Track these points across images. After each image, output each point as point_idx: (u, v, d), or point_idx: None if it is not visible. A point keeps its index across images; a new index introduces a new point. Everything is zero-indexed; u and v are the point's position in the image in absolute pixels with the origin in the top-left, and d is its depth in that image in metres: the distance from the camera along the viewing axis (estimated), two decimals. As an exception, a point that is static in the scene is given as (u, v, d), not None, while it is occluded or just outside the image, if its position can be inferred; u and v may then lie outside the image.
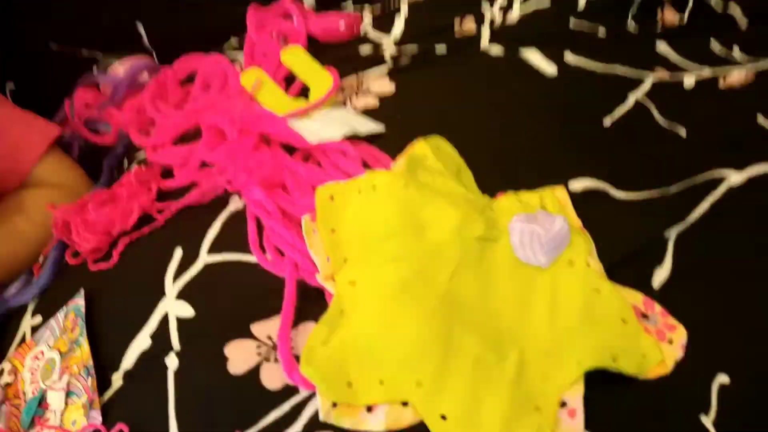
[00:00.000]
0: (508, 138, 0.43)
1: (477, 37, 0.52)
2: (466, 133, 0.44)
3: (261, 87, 0.51)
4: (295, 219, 0.40)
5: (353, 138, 0.44)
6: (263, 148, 0.44)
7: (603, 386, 0.31)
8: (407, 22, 0.57)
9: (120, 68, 0.66)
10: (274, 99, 0.50)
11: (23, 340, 0.46)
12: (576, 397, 0.30)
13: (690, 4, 0.53)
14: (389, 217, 0.36)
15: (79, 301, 0.42)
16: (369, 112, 0.48)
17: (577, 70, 0.47)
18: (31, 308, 0.48)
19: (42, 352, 0.42)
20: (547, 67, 0.47)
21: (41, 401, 0.40)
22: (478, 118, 0.45)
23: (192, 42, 0.67)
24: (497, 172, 0.41)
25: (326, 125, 0.44)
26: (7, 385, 0.43)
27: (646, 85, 0.45)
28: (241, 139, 0.44)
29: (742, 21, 0.50)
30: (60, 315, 0.43)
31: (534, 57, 0.48)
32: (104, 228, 0.44)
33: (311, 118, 0.46)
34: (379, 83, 0.50)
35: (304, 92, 0.52)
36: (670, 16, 0.53)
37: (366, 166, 0.42)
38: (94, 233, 0.44)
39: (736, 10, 0.50)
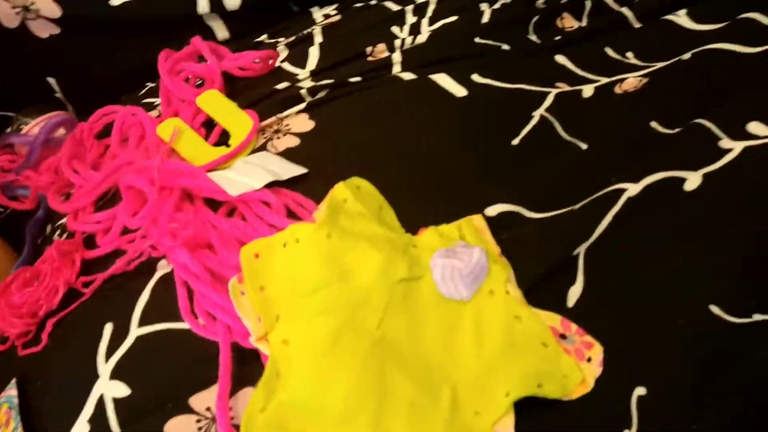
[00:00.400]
0: (425, 168, 0.44)
1: (389, 62, 0.52)
2: (384, 165, 0.44)
3: (180, 137, 0.50)
4: (224, 279, 0.39)
5: (276, 184, 0.43)
6: (186, 207, 0.43)
7: (530, 411, 0.32)
8: (321, 51, 0.56)
9: (35, 127, 0.63)
10: (193, 149, 0.49)
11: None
12: (508, 428, 0.31)
13: (588, 6, 0.55)
14: (314, 269, 0.36)
15: (11, 392, 0.40)
16: (291, 152, 0.48)
17: (485, 90, 0.48)
18: (-36, 400, 0.46)
19: (-22, 449, 0.41)
20: (456, 89, 0.48)
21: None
22: (394, 149, 0.46)
23: (107, 91, 0.66)
24: (416, 204, 0.41)
25: (246, 174, 0.44)
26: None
27: (549, 100, 0.46)
28: (162, 200, 0.43)
29: (635, 21, 0.52)
30: (-8, 408, 0.41)
31: (443, 80, 0.49)
32: (30, 310, 0.43)
33: (231, 169, 0.46)
34: (298, 121, 0.50)
35: (225, 136, 0.51)
36: (569, 23, 0.55)
37: (291, 214, 0.42)
38: (21, 317, 0.43)
39: (629, 12, 0.52)
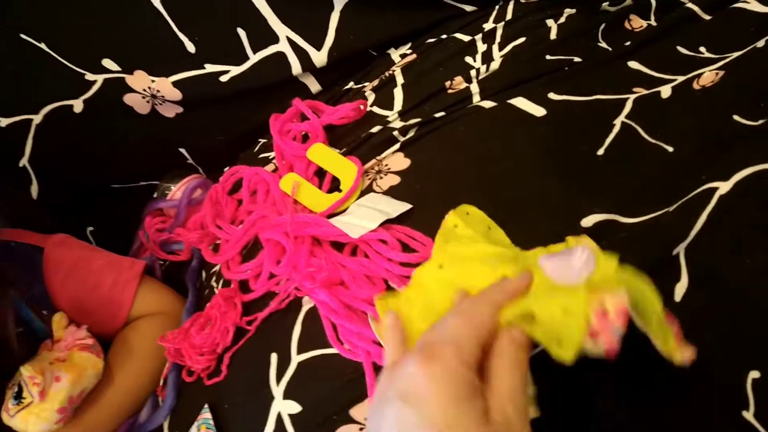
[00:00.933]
0: (518, 190, 0.49)
1: (468, 93, 0.58)
2: (478, 192, 0.49)
3: (299, 189, 0.59)
4: (357, 310, 0.47)
5: (388, 221, 0.51)
6: (317, 251, 0.52)
7: (649, 393, 0.36)
8: (404, 91, 0.63)
9: (177, 192, 0.76)
10: (312, 198, 0.58)
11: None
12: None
13: (653, 5, 0.57)
14: (434, 299, 0.42)
15: (206, 416, 0.51)
16: (394, 189, 0.55)
17: (563, 106, 0.52)
18: (166, 426, 0.58)
19: (188, 461, 0.52)
20: (535, 110, 0.53)
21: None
22: (486, 175, 0.51)
23: (227, 151, 0.77)
24: (515, 226, 0.46)
25: (361, 217, 0.51)
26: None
27: (628, 106, 0.50)
28: (297, 248, 0.52)
29: (703, 14, 0.54)
30: (193, 429, 0.52)
31: (522, 103, 0.53)
32: (210, 348, 0.53)
33: (347, 213, 0.54)
34: (395, 161, 0.57)
35: (335, 182, 0.60)
36: (637, 23, 0.57)
37: (405, 247, 0.49)
38: (203, 354, 0.53)
39: (696, 6, 0.54)
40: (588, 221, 0.45)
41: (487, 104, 0.56)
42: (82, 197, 0.78)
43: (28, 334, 0.57)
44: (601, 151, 0.48)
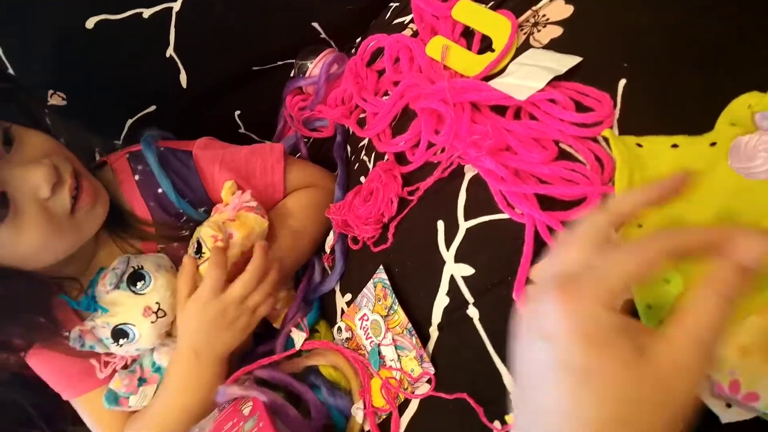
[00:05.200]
0: (698, 36, 0.42)
1: None
2: (661, 34, 0.44)
3: (447, 53, 0.56)
4: (526, 174, 0.46)
5: (555, 80, 0.47)
6: (479, 118, 0.50)
7: None
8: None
9: (315, 69, 0.75)
10: (463, 61, 0.55)
11: (343, 312, 0.61)
12: None
13: None
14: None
15: (382, 275, 0.54)
16: (557, 42, 0.50)
17: None
18: (337, 289, 0.63)
19: (365, 315, 0.56)
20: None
21: (379, 353, 0.54)
22: (659, 21, 0.44)
23: (358, 22, 0.74)
24: (701, 76, 0.41)
25: (525, 77, 0.48)
26: (347, 339, 0.59)
27: None
28: (458, 116, 0.50)
29: None
30: (370, 286, 0.56)
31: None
32: (376, 218, 0.55)
33: (507, 74, 0.50)
34: (555, 9, 0.51)
35: (485, 41, 0.56)
36: None
37: (578, 105, 0.45)
38: (370, 224, 0.56)
39: None
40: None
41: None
42: (227, 82, 0.81)
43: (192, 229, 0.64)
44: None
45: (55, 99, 0.77)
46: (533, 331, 0.29)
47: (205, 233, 0.59)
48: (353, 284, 0.61)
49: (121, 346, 0.59)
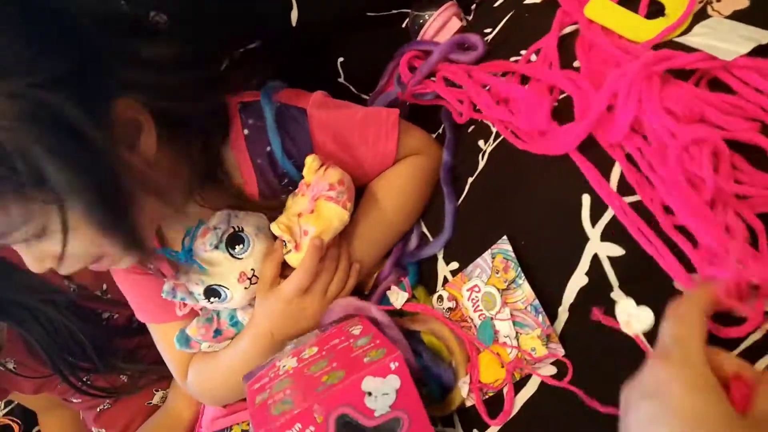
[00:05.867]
0: None
1: None
2: None
3: (610, 14, 0.51)
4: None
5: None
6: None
7: None
8: None
9: (432, 24, 0.71)
10: (630, 24, 0.50)
11: (446, 280, 0.58)
12: None
13: None
14: None
15: (505, 246, 0.50)
16: (741, 14, 0.45)
17: None
18: (440, 256, 0.59)
19: (477, 287, 0.53)
20: None
21: (492, 326, 0.51)
22: None
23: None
24: None
25: (723, 41, 0.43)
26: (450, 309, 0.55)
27: None
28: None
29: None
30: (487, 257, 0.52)
31: None
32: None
33: (698, 37, 0.45)
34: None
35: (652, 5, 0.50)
36: None
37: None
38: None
39: None
40: None
41: None
42: (339, 26, 0.77)
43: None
44: None
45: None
46: (643, 394, 0.34)
47: (274, 230, 0.57)
48: (461, 252, 0.57)
49: (212, 303, 0.60)
